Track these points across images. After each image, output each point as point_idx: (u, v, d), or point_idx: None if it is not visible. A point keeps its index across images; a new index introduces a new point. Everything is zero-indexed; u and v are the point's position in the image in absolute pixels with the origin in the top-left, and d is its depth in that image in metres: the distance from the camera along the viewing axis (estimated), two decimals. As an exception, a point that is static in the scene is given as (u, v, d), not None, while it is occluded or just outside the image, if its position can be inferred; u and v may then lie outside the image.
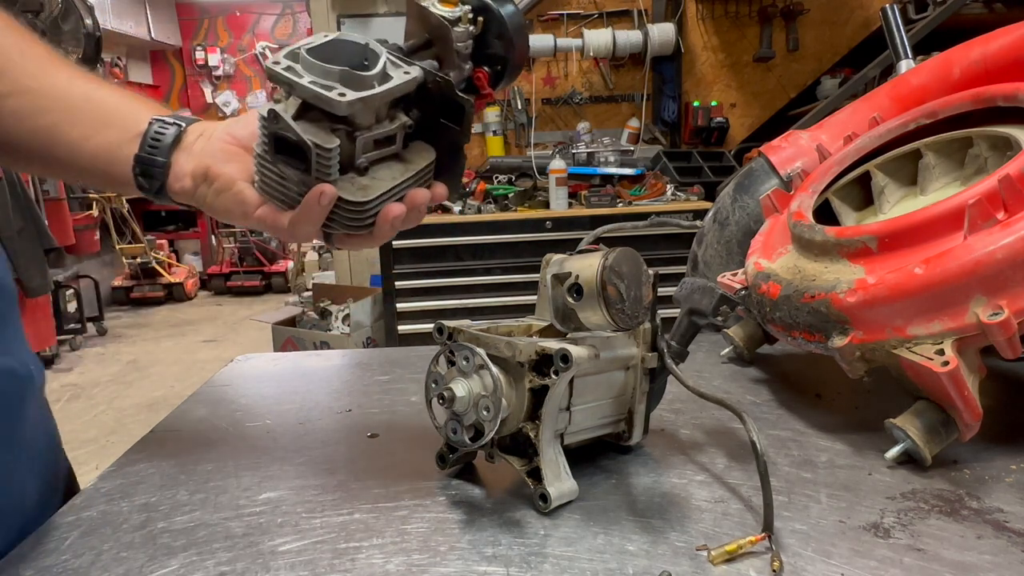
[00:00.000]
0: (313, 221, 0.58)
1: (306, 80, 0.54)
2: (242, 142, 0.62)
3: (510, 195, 3.48)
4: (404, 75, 0.56)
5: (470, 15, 0.60)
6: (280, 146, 0.57)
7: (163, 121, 0.64)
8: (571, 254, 0.62)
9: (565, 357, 0.54)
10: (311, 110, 0.55)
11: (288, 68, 0.55)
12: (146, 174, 0.63)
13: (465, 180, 3.63)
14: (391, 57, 0.57)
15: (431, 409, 0.61)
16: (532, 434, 0.58)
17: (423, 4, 0.60)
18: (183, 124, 0.64)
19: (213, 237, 7.64)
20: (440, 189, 0.62)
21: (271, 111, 0.55)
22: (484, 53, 0.63)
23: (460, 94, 0.58)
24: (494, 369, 0.56)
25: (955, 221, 0.62)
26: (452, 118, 0.59)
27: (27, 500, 0.62)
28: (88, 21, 3.60)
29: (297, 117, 0.55)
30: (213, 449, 0.73)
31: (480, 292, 3.32)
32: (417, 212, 0.60)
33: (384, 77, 0.56)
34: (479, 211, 3.41)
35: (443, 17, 0.59)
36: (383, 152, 0.59)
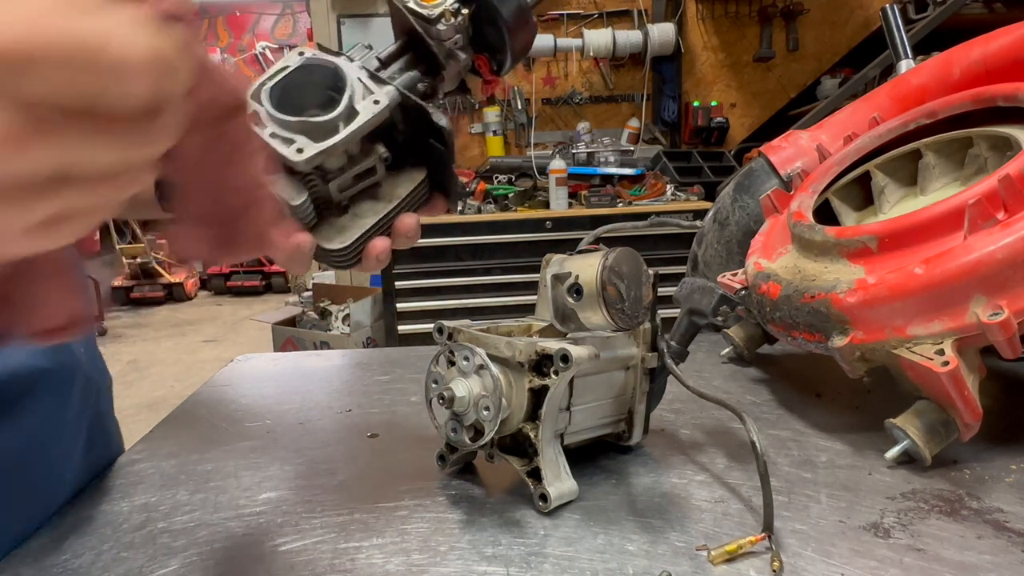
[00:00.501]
0: (301, 264, 0.56)
1: (266, 134, 0.49)
2: None
3: (510, 195, 3.48)
4: (373, 106, 0.51)
5: (454, 7, 0.55)
6: None
7: None
8: (571, 254, 0.61)
9: (565, 357, 0.54)
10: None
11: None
12: (165, 197, 0.65)
13: (465, 180, 3.63)
14: (364, 79, 0.53)
15: (431, 409, 0.61)
16: (532, 434, 0.58)
17: (398, 2, 0.55)
18: None
19: (213, 237, 7.64)
20: (437, 203, 0.59)
21: None
22: (483, 41, 0.60)
23: (436, 115, 0.53)
24: (494, 369, 0.56)
25: (955, 221, 0.62)
26: (435, 138, 0.54)
27: (66, 489, 0.63)
28: (88, 21, 3.59)
29: None
30: (213, 449, 0.73)
31: (480, 292, 3.32)
32: (406, 239, 0.58)
33: (351, 114, 0.51)
34: (479, 211, 3.40)
35: (420, 15, 0.54)
36: (364, 184, 0.55)
